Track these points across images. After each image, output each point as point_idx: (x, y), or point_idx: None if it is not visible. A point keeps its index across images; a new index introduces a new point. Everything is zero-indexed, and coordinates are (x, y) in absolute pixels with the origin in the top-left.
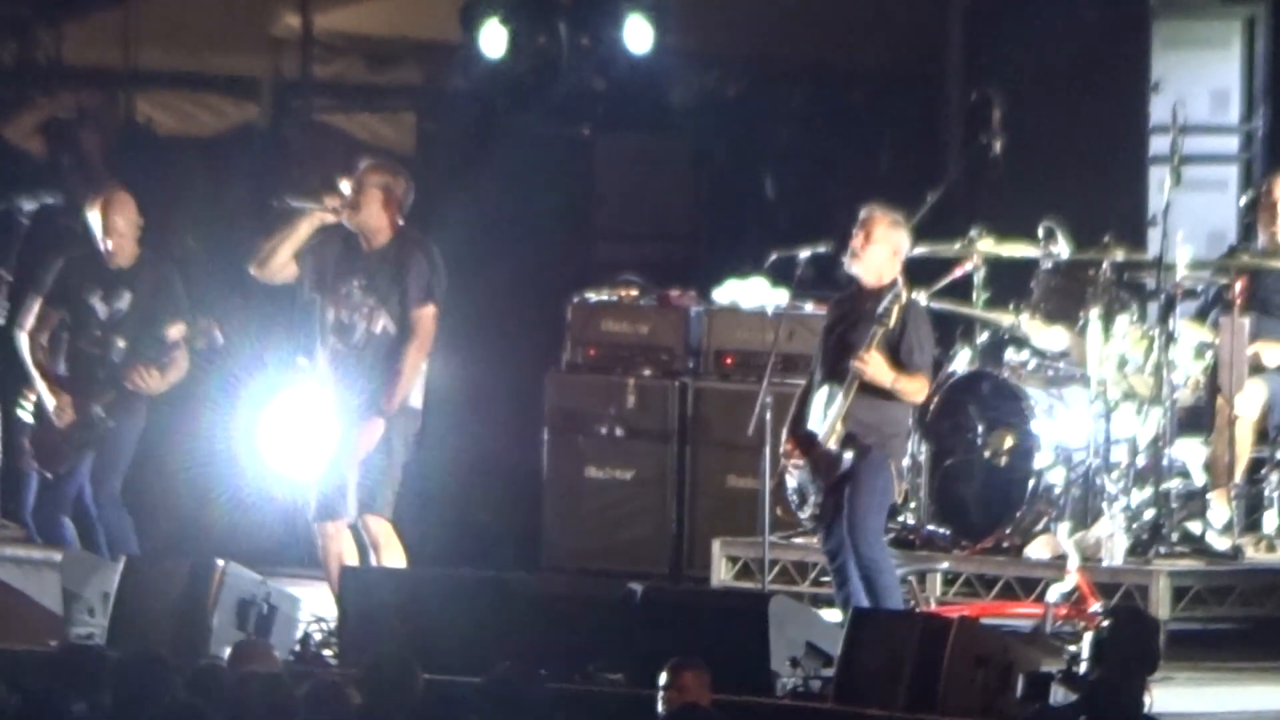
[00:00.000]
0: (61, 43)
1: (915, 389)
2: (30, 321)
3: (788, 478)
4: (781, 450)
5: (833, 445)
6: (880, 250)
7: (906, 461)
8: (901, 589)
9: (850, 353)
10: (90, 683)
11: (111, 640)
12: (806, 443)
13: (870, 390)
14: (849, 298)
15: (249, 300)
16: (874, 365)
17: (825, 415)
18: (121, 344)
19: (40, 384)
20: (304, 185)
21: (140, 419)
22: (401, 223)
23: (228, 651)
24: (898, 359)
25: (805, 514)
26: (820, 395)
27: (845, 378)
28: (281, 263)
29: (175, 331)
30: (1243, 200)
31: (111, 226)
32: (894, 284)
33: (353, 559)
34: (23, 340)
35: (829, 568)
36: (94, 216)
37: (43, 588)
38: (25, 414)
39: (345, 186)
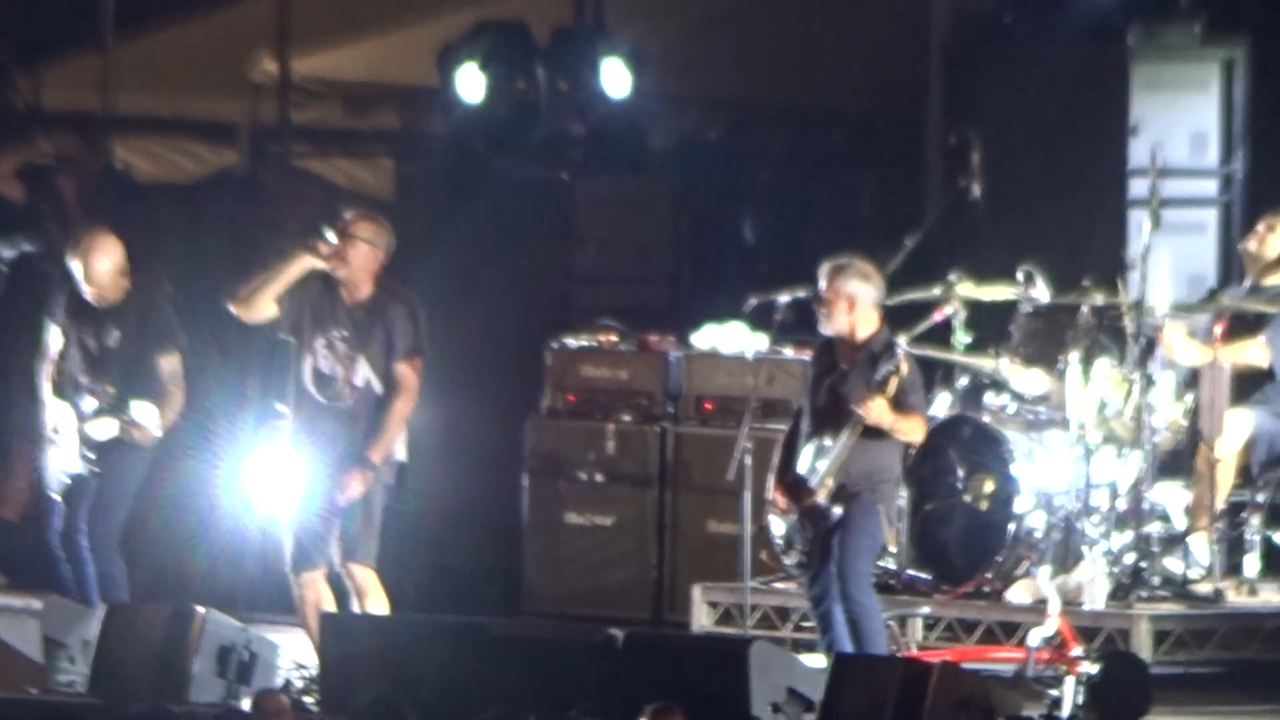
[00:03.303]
0: (40, 88)
1: (914, 428)
2: (51, 353)
3: (773, 523)
4: (768, 498)
5: (822, 499)
6: (839, 307)
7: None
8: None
9: (842, 404)
10: None
11: (93, 688)
12: (795, 491)
13: (864, 436)
14: (832, 345)
15: (226, 347)
16: (876, 408)
17: (815, 467)
18: (111, 390)
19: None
20: (282, 231)
21: (141, 467)
22: (380, 273)
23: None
24: (894, 402)
25: (790, 560)
26: (810, 447)
27: (838, 429)
28: (264, 303)
29: (169, 363)
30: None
31: (93, 269)
32: (888, 344)
33: (329, 608)
34: (43, 372)
35: (812, 614)
36: (76, 260)
37: (24, 636)
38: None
39: (331, 235)
